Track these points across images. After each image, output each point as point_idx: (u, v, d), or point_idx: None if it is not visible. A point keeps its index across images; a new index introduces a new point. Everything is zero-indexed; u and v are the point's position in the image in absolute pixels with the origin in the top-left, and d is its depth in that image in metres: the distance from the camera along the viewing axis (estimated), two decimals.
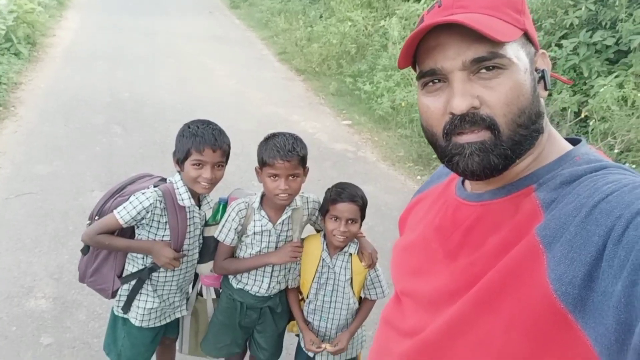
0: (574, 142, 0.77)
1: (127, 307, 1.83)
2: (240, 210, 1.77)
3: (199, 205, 1.82)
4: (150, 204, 1.66)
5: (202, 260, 1.89)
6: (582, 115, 4.41)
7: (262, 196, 1.80)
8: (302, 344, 1.95)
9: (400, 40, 6.40)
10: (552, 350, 0.60)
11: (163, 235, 1.74)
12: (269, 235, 1.79)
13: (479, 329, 0.68)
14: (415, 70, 0.78)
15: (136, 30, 9.54)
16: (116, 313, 1.87)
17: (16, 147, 4.47)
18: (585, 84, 4.69)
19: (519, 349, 0.63)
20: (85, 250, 1.83)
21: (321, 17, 9.18)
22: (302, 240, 1.90)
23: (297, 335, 2.04)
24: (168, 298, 1.86)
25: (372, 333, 2.52)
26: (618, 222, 0.54)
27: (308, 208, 1.88)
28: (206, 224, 1.87)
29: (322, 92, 7.11)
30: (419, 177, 4.74)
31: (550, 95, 4.71)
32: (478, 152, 0.70)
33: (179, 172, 1.75)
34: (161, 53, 8.22)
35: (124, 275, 1.82)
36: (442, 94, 0.72)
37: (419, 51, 0.74)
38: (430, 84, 0.74)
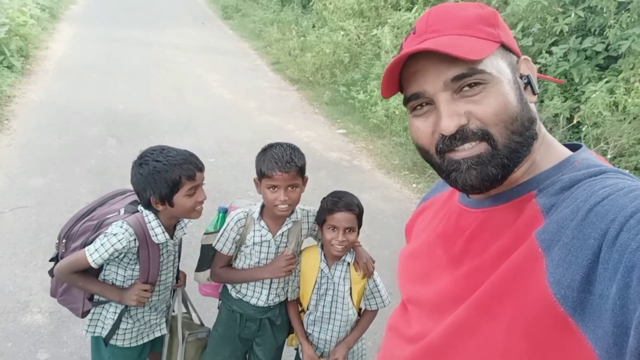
0: (574, 148, 0.78)
1: (112, 333, 1.76)
2: (239, 220, 1.76)
3: (174, 230, 1.76)
4: (124, 247, 1.58)
5: (200, 268, 1.88)
6: (574, 121, 4.46)
7: (262, 206, 1.79)
8: (300, 357, 1.94)
9: (393, 48, 6.45)
10: (554, 354, 0.61)
11: (134, 269, 1.70)
12: (269, 246, 1.78)
13: (480, 333, 0.68)
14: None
15: (129, 42, 9.56)
16: (87, 333, 1.78)
17: (10, 161, 4.44)
18: (576, 90, 4.75)
19: (520, 353, 0.64)
20: (52, 272, 1.78)
21: (314, 26, 9.25)
22: (301, 252, 1.89)
23: (296, 349, 2.03)
24: (143, 317, 1.81)
25: (372, 344, 2.51)
26: (612, 225, 0.55)
27: (308, 222, 1.87)
28: (205, 233, 1.85)
29: (316, 101, 7.14)
30: (414, 185, 4.76)
31: (542, 101, 4.77)
32: (475, 165, 0.71)
33: (155, 212, 1.63)
34: (155, 64, 8.23)
35: (96, 299, 1.77)
36: (431, 115, 0.74)
37: (402, 77, 0.76)
38: (418, 107, 0.76)
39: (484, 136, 0.70)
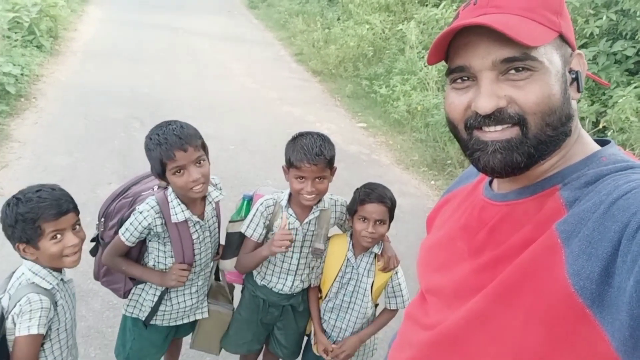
0: (603, 144, 0.77)
1: (151, 316, 1.80)
2: (267, 207, 1.77)
3: (204, 208, 1.76)
4: (149, 224, 1.63)
5: (225, 256, 1.89)
6: (601, 126, 4.37)
7: (290, 194, 1.80)
8: (312, 342, 1.96)
9: (418, 44, 6.40)
10: (571, 345, 0.61)
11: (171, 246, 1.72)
12: (295, 234, 1.78)
13: (497, 322, 0.69)
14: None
15: (155, 27, 9.65)
16: (125, 313, 1.84)
17: (36, 138, 4.55)
18: (604, 94, 4.65)
19: (537, 343, 0.64)
20: (93, 251, 1.83)
21: (339, 19, 9.21)
22: (329, 239, 1.89)
23: (308, 335, 2.04)
24: (184, 301, 1.83)
25: (383, 335, 2.52)
26: (633, 219, 0.55)
27: (336, 211, 1.87)
28: (230, 221, 1.86)
29: (337, 94, 7.13)
30: (432, 182, 4.74)
31: None
32: (502, 149, 0.71)
33: (167, 184, 1.66)
34: (180, 50, 8.32)
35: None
36: (470, 91, 0.73)
37: (450, 47, 0.75)
38: (459, 80, 0.75)
39: (520, 121, 0.70)
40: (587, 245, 0.59)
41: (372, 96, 6.65)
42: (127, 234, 1.64)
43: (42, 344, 1.42)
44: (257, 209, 1.78)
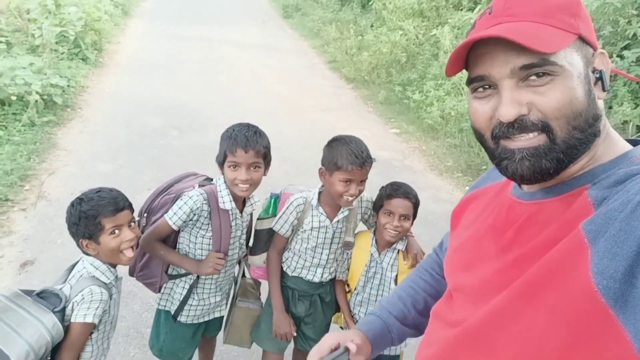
0: (635, 144, 0.76)
1: (180, 309, 1.88)
2: (298, 205, 1.84)
3: (244, 205, 1.86)
4: (198, 207, 1.72)
5: (254, 252, 1.97)
6: None
7: (320, 193, 1.87)
8: None
9: (452, 49, 6.34)
10: (592, 344, 0.61)
11: (204, 236, 1.79)
12: (326, 232, 1.87)
13: (520, 320, 0.69)
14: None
15: (193, 38, 9.95)
16: (158, 306, 1.93)
17: (82, 146, 4.76)
18: None
19: (559, 341, 0.64)
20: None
21: (372, 26, 9.24)
22: (355, 235, 1.95)
23: (342, 328, 2.09)
24: (209, 297, 1.91)
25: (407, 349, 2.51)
26: None
27: (361, 207, 1.94)
28: (258, 218, 1.95)
29: (370, 100, 7.14)
30: (467, 188, 4.66)
31: (610, 107, 4.53)
32: (529, 156, 0.71)
33: (223, 174, 1.79)
34: (216, 60, 8.53)
35: (170, 272, 1.89)
36: (492, 99, 0.74)
37: (469, 57, 0.75)
38: (480, 89, 0.75)
39: (544, 128, 0.69)
40: (612, 244, 0.59)
41: (405, 102, 6.63)
42: (175, 218, 1.72)
43: (91, 333, 1.53)
44: (287, 207, 1.85)
